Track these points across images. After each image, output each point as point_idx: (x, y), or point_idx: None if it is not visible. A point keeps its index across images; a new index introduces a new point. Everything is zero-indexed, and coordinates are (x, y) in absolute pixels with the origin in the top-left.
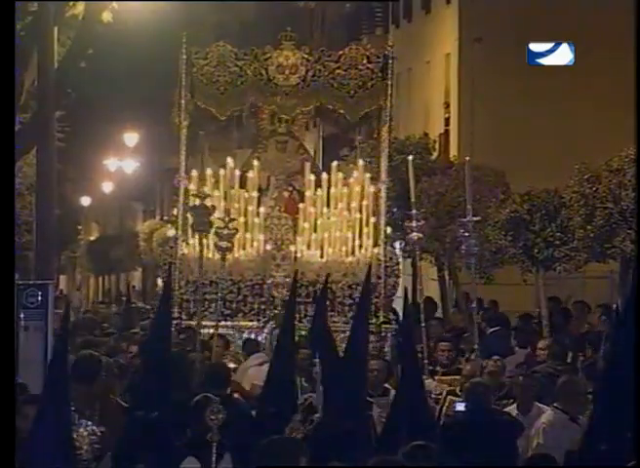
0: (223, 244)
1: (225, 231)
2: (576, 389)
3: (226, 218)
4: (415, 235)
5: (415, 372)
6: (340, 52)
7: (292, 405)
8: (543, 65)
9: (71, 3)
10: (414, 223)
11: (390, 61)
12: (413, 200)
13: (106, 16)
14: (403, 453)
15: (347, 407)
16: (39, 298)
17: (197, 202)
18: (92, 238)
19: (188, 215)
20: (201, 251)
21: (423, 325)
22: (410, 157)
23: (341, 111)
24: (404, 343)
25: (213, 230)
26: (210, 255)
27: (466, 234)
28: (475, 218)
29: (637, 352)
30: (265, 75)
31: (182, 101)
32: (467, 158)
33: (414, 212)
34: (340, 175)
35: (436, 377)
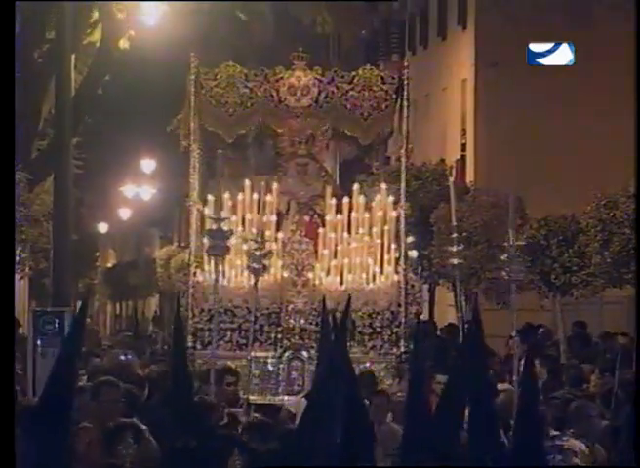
0: (256, 265)
1: (258, 252)
2: (589, 413)
3: (259, 239)
4: (455, 260)
5: (420, 401)
6: (354, 73)
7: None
8: (559, 88)
9: (88, 30)
10: (454, 248)
11: (406, 83)
12: (454, 224)
13: (123, 43)
14: None
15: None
16: (56, 325)
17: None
18: (109, 265)
19: (205, 240)
20: (217, 276)
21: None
22: (450, 179)
23: (354, 134)
24: (413, 369)
25: (244, 251)
26: (225, 283)
27: (509, 259)
28: (519, 243)
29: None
30: (276, 96)
31: (192, 124)
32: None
33: (454, 235)
34: (362, 198)
35: None
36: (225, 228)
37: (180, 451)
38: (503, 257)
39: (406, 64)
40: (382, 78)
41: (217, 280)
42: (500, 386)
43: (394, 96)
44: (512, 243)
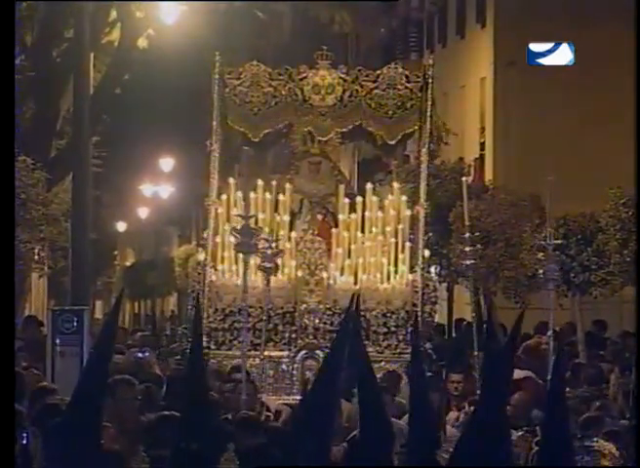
0: (267, 264)
1: (270, 251)
2: (610, 414)
3: (270, 238)
4: (469, 261)
5: (424, 400)
6: (378, 71)
7: None
8: (578, 88)
9: (107, 30)
10: (467, 248)
11: (430, 81)
12: (467, 224)
13: (142, 42)
14: None
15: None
16: (74, 324)
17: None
18: (127, 263)
19: (218, 239)
20: (245, 274)
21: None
22: (464, 178)
23: (379, 132)
24: (413, 367)
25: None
26: (238, 282)
27: (546, 258)
28: (557, 241)
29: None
30: (300, 95)
31: (214, 123)
32: (550, 178)
33: (467, 235)
34: (375, 198)
35: None
36: (253, 226)
37: (184, 452)
38: (540, 256)
39: (431, 63)
40: (407, 77)
41: (245, 279)
42: (520, 373)
43: (419, 94)
44: (550, 241)
